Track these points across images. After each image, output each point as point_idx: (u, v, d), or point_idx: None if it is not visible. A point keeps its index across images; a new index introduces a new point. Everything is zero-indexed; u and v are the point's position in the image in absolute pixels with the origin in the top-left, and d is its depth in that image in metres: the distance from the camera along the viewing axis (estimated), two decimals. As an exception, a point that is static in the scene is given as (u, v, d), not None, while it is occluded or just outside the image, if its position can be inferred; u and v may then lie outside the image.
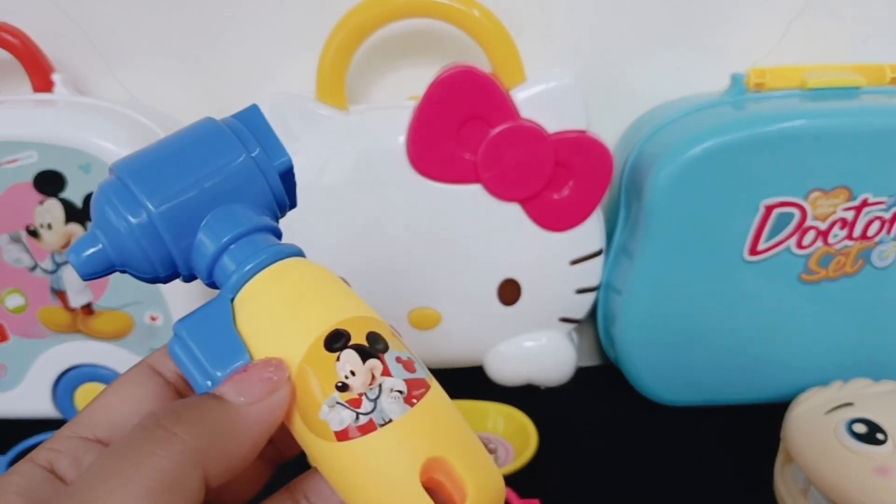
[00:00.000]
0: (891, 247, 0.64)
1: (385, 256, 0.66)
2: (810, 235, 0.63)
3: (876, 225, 0.63)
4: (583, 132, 0.62)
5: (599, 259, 0.67)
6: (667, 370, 0.70)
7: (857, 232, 0.63)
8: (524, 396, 0.72)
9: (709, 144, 0.59)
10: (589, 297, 0.70)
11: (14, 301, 0.67)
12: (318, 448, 0.28)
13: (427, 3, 0.60)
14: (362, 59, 0.67)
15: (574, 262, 0.67)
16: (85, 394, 0.70)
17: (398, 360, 0.29)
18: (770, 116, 0.60)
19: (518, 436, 0.68)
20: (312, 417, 0.28)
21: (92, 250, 0.30)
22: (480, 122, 0.61)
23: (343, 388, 0.28)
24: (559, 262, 0.67)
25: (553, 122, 0.61)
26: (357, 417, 0.27)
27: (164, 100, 0.69)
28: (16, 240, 0.64)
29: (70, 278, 0.65)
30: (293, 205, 0.34)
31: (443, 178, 0.63)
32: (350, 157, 0.63)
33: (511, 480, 0.62)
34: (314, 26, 0.63)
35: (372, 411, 0.28)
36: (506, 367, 0.72)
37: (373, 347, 0.29)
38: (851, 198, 0.61)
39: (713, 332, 0.68)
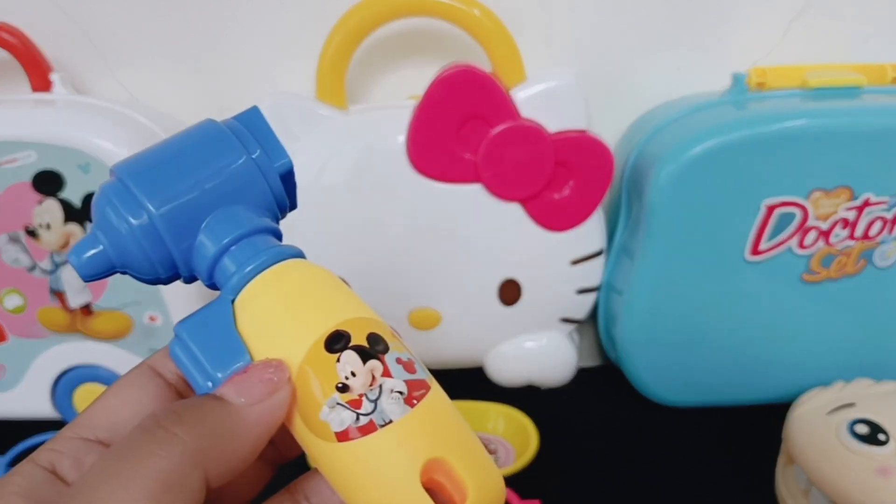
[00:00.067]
0: (893, 247, 0.64)
1: (385, 256, 0.66)
2: (812, 235, 0.63)
3: (878, 225, 0.63)
4: (583, 132, 0.61)
5: (600, 259, 0.67)
6: (668, 371, 0.70)
7: (858, 232, 0.63)
8: (524, 397, 0.72)
9: (710, 144, 0.59)
10: (590, 298, 0.69)
11: (13, 301, 0.67)
12: (318, 449, 0.28)
13: (427, 2, 0.60)
14: (362, 58, 0.67)
15: (575, 263, 0.67)
16: (84, 394, 0.70)
17: (398, 360, 0.29)
18: (771, 116, 0.60)
19: (518, 436, 0.68)
20: (313, 418, 0.28)
21: (93, 251, 0.30)
22: (481, 122, 0.61)
23: (343, 388, 0.28)
24: (560, 262, 0.67)
25: (553, 122, 0.61)
26: (357, 418, 0.27)
27: (163, 100, 0.69)
28: (14, 240, 0.64)
29: (69, 278, 0.65)
30: (293, 206, 0.34)
31: (443, 177, 0.63)
32: (350, 156, 0.63)
33: (511, 481, 0.62)
34: (314, 26, 0.63)
35: (372, 412, 0.27)
36: (506, 367, 0.71)
37: (373, 348, 0.29)
38: (853, 197, 0.61)
39: (714, 333, 0.68)
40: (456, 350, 0.71)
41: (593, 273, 0.68)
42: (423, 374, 0.29)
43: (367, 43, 0.62)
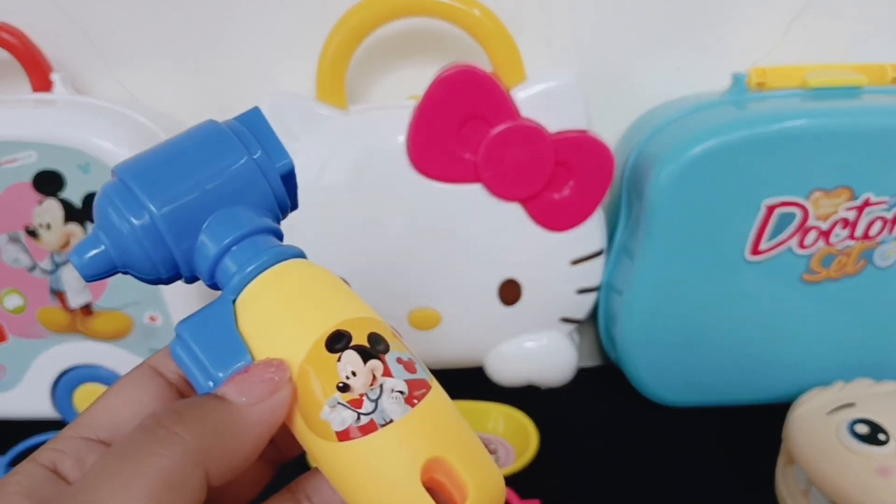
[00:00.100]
0: (893, 246, 0.64)
1: (385, 256, 0.66)
2: (812, 235, 0.63)
3: (878, 225, 0.63)
4: (583, 132, 0.61)
5: (600, 259, 0.67)
6: (668, 370, 0.70)
7: (858, 232, 0.63)
8: (525, 397, 0.72)
9: (710, 144, 0.59)
10: (590, 298, 0.69)
11: (13, 301, 0.67)
12: (319, 448, 0.28)
13: (427, 2, 0.60)
14: (362, 58, 0.67)
15: (575, 262, 0.67)
16: (84, 394, 0.70)
17: (399, 360, 0.29)
18: (771, 116, 0.60)
19: (518, 436, 0.68)
20: (314, 418, 0.28)
21: (94, 252, 0.30)
22: (481, 122, 0.61)
23: (344, 388, 0.28)
24: (560, 262, 0.67)
25: (554, 122, 0.61)
26: (358, 418, 0.27)
27: (163, 100, 0.69)
28: (15, 240, 0.64)
29: (69, 278, 0.65)
30: (294, 206, 0.34)
31: (443, 177, 0.63)
32: (350, 156, 0.63)
33: (511, 481, 0.62)
34: (314, 26, 0.63)
35: (373, 411, 0.28)
36: (506, 367, 0.72)
37: (374, 348, 0.29)
38: (853, 197, 0.61)
39: (714, 333, 0.68)
40: (456, 350, 0.71)
41: (593, 273, 0.68)
42: (423, 374, 0.30)
43: (368, 43, 0.62)
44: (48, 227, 0.63)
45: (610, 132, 0.68)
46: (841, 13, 0.67)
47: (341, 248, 0.65)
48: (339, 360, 0.28)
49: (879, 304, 0.67)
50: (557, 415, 0.70)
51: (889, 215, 0.62)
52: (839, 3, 0.67)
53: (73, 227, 0.63)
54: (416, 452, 0.27)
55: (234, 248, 0.30)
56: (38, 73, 0.64)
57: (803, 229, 0.63)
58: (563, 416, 0.71)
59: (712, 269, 0.65)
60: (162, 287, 0.64)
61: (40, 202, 0.62)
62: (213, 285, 0.31)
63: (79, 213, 0.62)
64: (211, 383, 0.29)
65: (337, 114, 0.63)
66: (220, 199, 0.31)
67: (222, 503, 0.31)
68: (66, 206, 0.62)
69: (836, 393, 0.62)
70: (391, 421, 0.28)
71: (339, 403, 0.28)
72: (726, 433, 0.69)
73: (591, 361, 0.80)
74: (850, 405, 0.59)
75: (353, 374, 0.28)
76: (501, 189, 0.63)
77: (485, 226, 0.65)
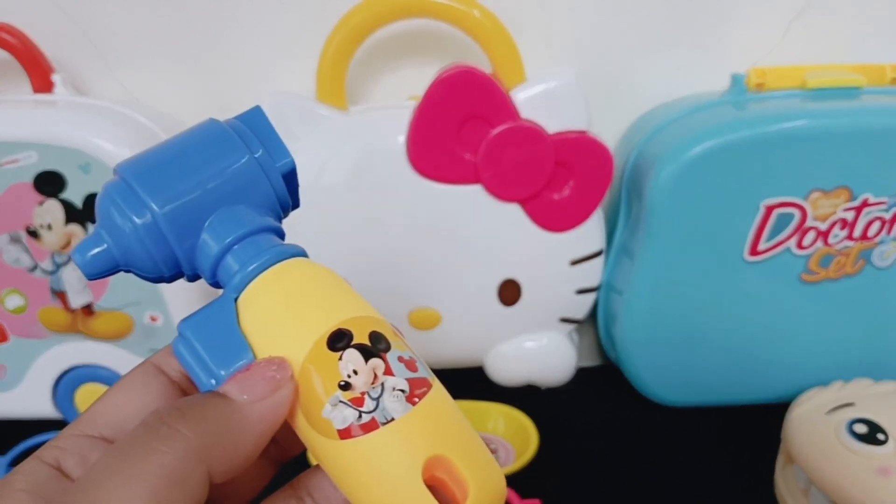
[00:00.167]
0: (891, 247, 0.64)
1: (385, 256, 0.66)
2: (810, 236, 0.63)
3: (876, 225, 0.63)
4: (583, 132, 0.62)
5: (600, 259, 0.67)
6: (667, 370, 0.70)
7: (857, 232, 0.63)
8: (524, 397, 0.72)
9: (709, 144, 0.59)
10: (589, 298, 0.70)
11: (14, 301, 0.67)
12: (320, 446, 0.28)
13: (427, 3, 0.60)
14: (362, 59, 0.67)
15: (574, 263, 0.67)
16: (85, 394, 0.70)
17: (400, 359, 0.29)
18: (771, 116, 0.60)
19: (518, 436, 0.68)
20: (315, 416, 0.28)
21: (97, 250, 0.30)
22: (481, 123, 0.61)
23: (346, 386, 0.28)
24: (559, 263, 0.67)
25: (553, 123, 0.61)
26: (359, 416, 0.28)
27: (164, 100, 0.69)
28: (16, 240, 0.64)
29: (70, 279, 0.65)
30: (296, 205, 0.35)
31: (443, 178, 0.63)
32: (350, 157, 0.63)
33: (511, 481, 0.62)
34: (314, 26, 0.63)
35: (374, 410, 0.28)
36: (506, 367, 0.72)
37: (375, 347, 0.29)
38: (852, 198, 0.62)
39: (714, 333, 0.68)
40: (456, 350, 0.71)
41: (593, 273, 0.68)
42: (424, 373, 0.30)
43: (368, 43, 0.63)
44: (49, 227, 0.63)
45: (610, 132, 0.68)
46: (841, 13, 0.67)
47: (341, 248, 0.65)
48: (340, 358, 0.28)
49: (878, 305, 0.67)
50: (557, 415, 0.70)
51: (887, 216, 0.63)
52: (839, 4, 0.67)
53: (74, 228, 0.63)
54: (418, 450, 0.28)
55: (235, 246, 0.31)
56: (39, 74, 0.64)
57: (802, 230, 0.63)
58: (562, 416, 0.71)
59: (711, 269, 0.65)
60: (162, 287, 0.64)
61: (41, 203, 0.62)
62: (215, 284, 0.32)
63: (79, 214, 0.62)
64: (213, 381, 0.29)
65: (337, 114, 0.63)
66: (221, 198, 0.31)
67: (224, 500, 0.31)
68: (67, 206, 0.62)
69: (835, 393, 0.62)
70: (392, 419, 0.28)
71: (340, 402, 0.28)
72: (726, 433, 0.69)
73: (591, 361, 0.80)
74: (850, 405, 0.59)
75: (355, 372, 0.28)
76: (501, 189, 0.63)
77: (484, 226, 0.65)
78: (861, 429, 0.56)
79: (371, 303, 0.32)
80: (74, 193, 0.62)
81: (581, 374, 0.73)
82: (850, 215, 0.62)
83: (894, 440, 0.55)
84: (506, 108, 0.60)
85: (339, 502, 0.31)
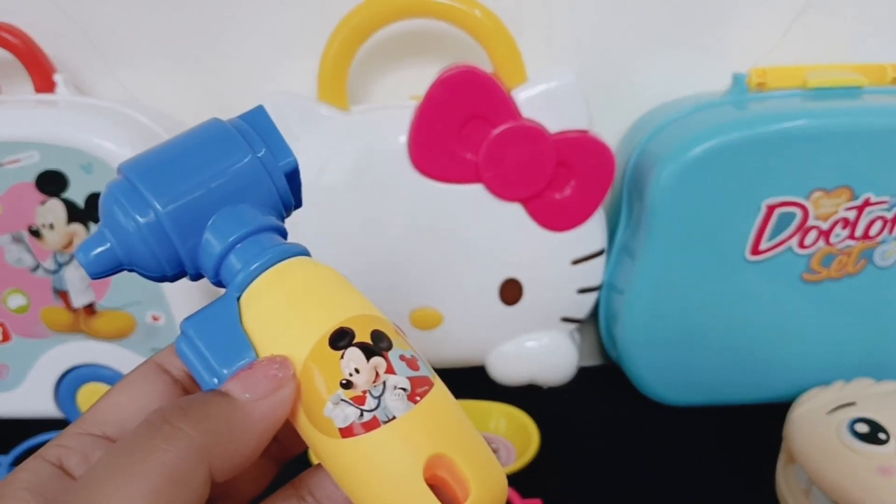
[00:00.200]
0: (893, 246, 0.64)
1: (386, 256, 0.66)
2: (812, 235, 0.63)
3: (878, 225, 0.63)
4: (584, 132, 0.62)
5: (601, 259, 0.67)
6: (668, 370, 0.70)
7: (858, 232, 0.63)
8: (526, 396, 0.72)
9: (710, 144, 0.59)
10: (591, 297, 0.70)
11: (16, 301, 0.67)
12: (322, 445, 0.28)
13: (428, 3, 0.60)
14: (363, 58, 0.67)
15: (576, 262, 0.67)
16: (87, 394, 0.70)
17: (402, 357, 0.29)
18: (771, 116, 0.60)
19: (520, 435, 0.68)
20: (317, 414, 0.28)
21: (100, 249, 0.30)
22: (482, 122, 0.61)
23: (347, 385, 0.28)
24: (561, 262, 0.67)
25: (554, 122, 0.61)
26: (361, 414, 0.28)
27: (164, 100, 0.69)
28: (18, 240, 0.64)
29: (72, 278, 0.65)
30: (298, 204, 0.35)
31: (444, 177, 0.63)
32: (351, 156, 0.63)
33: (513, 480, 0.62)
34: (315, 26, 0.63)
35: (376, 408, 0.28)
36: (507, 366, 0.72)
37: (377, 345, 0.29)
38: (853, 197, 0.62)
39: (715, 332, 0.68)
40: (457, 349, 0.71)
41: (594, 273, 0.68)
42: (426, 371, 0.30)
43: (369, 43, 0.63)
44: (51, 227, 0.63)
45: (611, 132, 0.68)
46: (841, 13, 0.67)
47: (342, 248, 0.65)
48: (342, 357, 0.28)
49: (879, 304, 0.67)
50: (558, 414, 0.70)
51: (889, 215, 0.63)
52: (839, 3, 0.67)
53: (76, 227, 0.63)
54: (419, 449, 0.28)
55: (238, 245, 0.31)
56: (41, 74, 0.64)
57: (803, 229, 0.63)
58: (563, 416, 0.71)
59: (713, 268, 0.65)
60: (164, 287, 0.64)
61: (43, 202, 0.62)
62: (218, 283, 0.32)
63: (82, 213, 0.63)
64: (215, 380, 0.29)
65: (338, 114, 0.63)
66: (224, 197, 0.31)
67: (227, 499, 0.31)
68: (69, 206, 0.62)
69: (836, 392, 0.62)
70: (394, 418, 0.28)
71: (342, 400, 0.28)
72: (727, 432, 0.69)
73: (592, 361, 0.80)
74: (851, 404, 0.59)
75: (357, 371, 0.28)
76: (502, 189, 0.63)
77: (486, 226, 0.65)
78: (862, 428, 0.56)
79: (372, 302, 0.32)
80: (76, 193, 0.62)
81: (582, 373, 0.74)
82: (851, 215, 0.62)
83: (895, 440, 0.55)
84: (507, 108, 0.60)
85: (341, 501, 0.31)
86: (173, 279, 0.32)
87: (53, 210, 0.62)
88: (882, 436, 0.55)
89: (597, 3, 0.66)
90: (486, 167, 0.62)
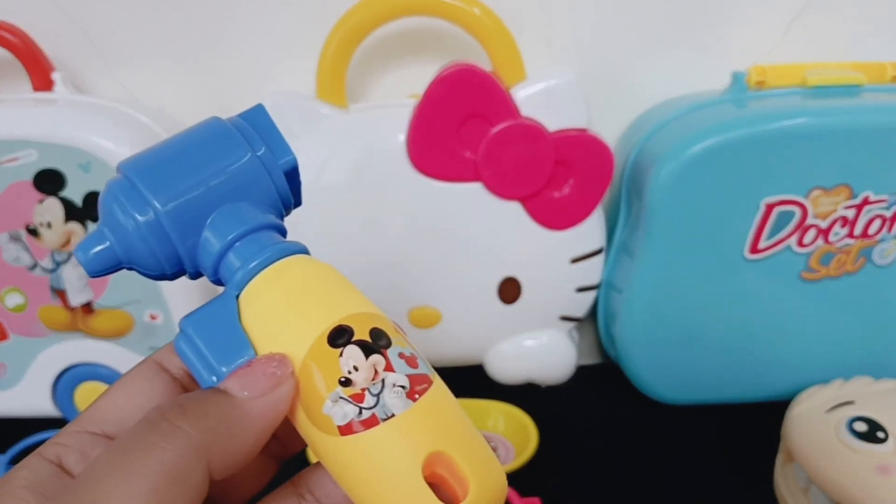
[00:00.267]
0: (892, 245, 0.64)
1: (385, 255, 0.66)
2: (811, 234, 0.63)
3: (877, 223, 0.63)
4: (583, 130, 0.62)
5: (600, 257, 0.67)
6: (667, 369, 0.70)
7: (857, 230, 0.63)
8: (524, 395, 0.72)
9: (710, 143, 0.59)
10: (589, 296, 0.70)
11: (13, 300, 0.67)
12: (321, 442, 0.28)
13: (427, 1, 0.60)
14: (362, 57, 0.67)
15: (574, 261, 0.67)
16: (85, 392, 0.70)
17: (401, 355, 0.29)
18: (771, 114, 0.60)
19: (518, 434, 0.68)
20: (316, 412, 0.28)
21: (99, 248, 0.30)
22: (481, 121, 0.61)
23: (346, 383, 0.28)
24: (560, 261, 0.67)
25: (554, 121, 0.61)
26: (360, 412, 0.28)
27: (163, 100, 0.69)
28: (15, 238, 0.64)
29: (70, 277, 0.65)
30: (298, 203, 0.35)
31: (443, 176, 0.63)
32: (350, 155, 0.63)
33: (511, 479, 0.62)
34: (314, 25, 0.63)
35: (374, 406, 0.28)
36: (506, 365, 0.72)
37: (376, 343, 0.29)
38: (852, 196, 0.62)
39: (714, 331, 0.68)
40: (456, 348, 0.71)
41: (593, 271, 0.68)
42: (425, 369, 0.30)
43: (368, 42, 0.62)
44: (49, 225, 0.63)
45: (610, 131, 0.68)
46: (841, 12, 0.67)
47: (341, 248, 0.65)
48: (341, 354, 0.28)
49: (878, 303, 0.67)
50: (557, 413, 0.70)
51: (888, 213, 0.63)
52: (839, 3, 0.67)
53: (74, 226, 0.63)
54: (418, 447, 0.28)
55: (237, 243, 0.31)
56: (39, 73, 0.64)
57: (802, 228, 0.63)
58: (562, 415, 0.71)
59: (712, 267, 0.65)
60: (162, 285, 0.64)
61: (41, 201, 0.62)
62: (217, 281, 0.32)
63: (79, 212, 0.63)
64: (214, 378, 0.29)
65: (337, 113, 0.63)
66: (223, 196, 0.31)
67: (226, 497, 0.31)
68: (67, 204, 0.62)
69: (835, 391, 0.62)
70: (393, 415, 0.28)
71: (340, 398, 0.28)
72: (725, 431, 0.69)
73: (591, 359, 0.80)
74: (849, 403, 0.59)
75: (355, 368, 0.28)
76: (501, 188, 0.63)
77: (485, 224, 0.65)
78: (861, 427, 0.56)
79: (371, 301, 0.32)
80: (74, 192, 0.62)
81: (581, 372, 0.74)
82: (850, 213, 0.62)
83: (894, 438, 0.55)
84: (506, 107, 0.60)
85: (340, 499, 0.31)
86: (172, 278, 0.32)
87: (51, 209, 0.62)
88: (881, 434, 0.55)
89: (597, 3, 0.66)
90: (485, 166, 0.62)
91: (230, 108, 0.35)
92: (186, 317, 0.30)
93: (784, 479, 0.60)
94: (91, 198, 0.62)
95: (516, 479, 0.62)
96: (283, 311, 0.30)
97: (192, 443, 0.26)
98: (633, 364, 0.70)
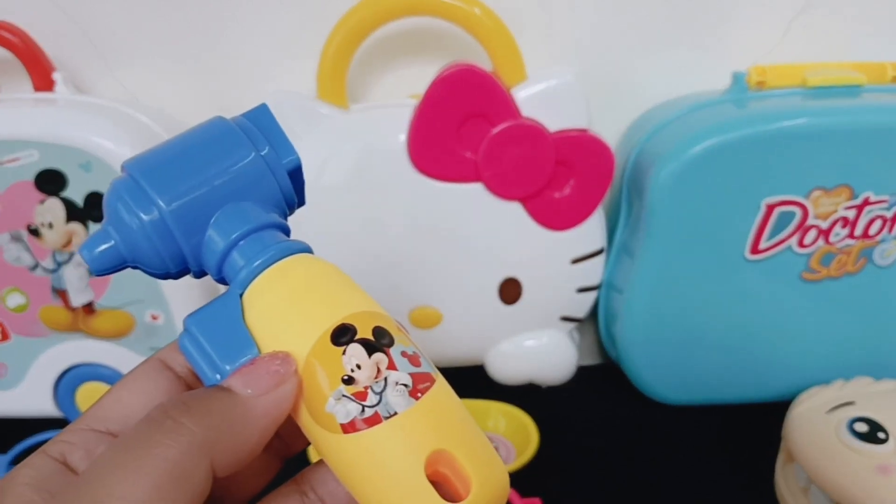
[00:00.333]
0: (892, 245, 0.64)
1: (386, 255, 0.66)
2: (811, 234, 0.63)
3: (878, 224, 0.63)
4: (584, 131, 0.62)
5: (600, 258, 0.67)
6: (668, 369, 0.70)
7: (858, 231, 0.63)
8: (525, 395, 0.72)
9: (710, 143, 0.59)
10: (590, 296, 0.70)
11: (15, 300, 0.67)
12: (324, 440, 0.28)
13: (428, 1, 0.60)
14: (363, 57, 0.67)
15: (575, 261, 0.67)
16: (86, 393, 0.70)
17: (403, 354, 0.29)
18: (771, 115, 0.60)
19: (519, 434, 0.68)
20: (319, 410, 0.28)
21: (104, 246, 0.30)
22: (481, 121, 0.61)
23: (349, 381, 0.28)
24: (560, 261, 0.67)
25: (554, 121, 0.61)
26: (363, 410, 0.28)
27: (163, 100, 0.69)
28: (17, 239, 0.64)
29: (71, 277, 0.65)
30: (301, 202, 0.35)
31: (443, 176, 0.63)
32: (351, 155, 0.63)
33: (512, 479, 0.62)
34: (314, 25, 0.63)
35: (377, 404, 0.28)
36: (507, 366, 0.72)
37: (378, 342, 0.29)
38: (853, 196, 0.62)
39: (714, 331, 0.68)
40: (457, 348, 0.71)
41: (593, 272, 0.68)
42: (427, 368, 0.30)
43: (368, 42, 0.63)
44: (50, 226, 0.63)
45: (610, 131, 0.68)
46: (841, 12, 0.67)
47: (341, 248, 0.65)
48: (344, 353, 0.28)
49: (879, 303, 0.67)
50: (557, 413, 0.70)
51: (889, 214, 0.63)
52: (839, 3, 0.67)
53: (75, 226, 0.63)
54: (420, 445, 0.28)
55: (241, 242, 0.31)
56: (40, 73, 0.64)
57: (803, 228, 0.63)
58: (563, 415, 0.71)
59: (712, 267, 0.65)
60: (163, 286, 0.64)
61: (42, 201, 0.62)
62: (221, 280, 0.32)
63: (80, 212, 0.63)
64: (218, 376, 0.29)
65: (337, 113, 0.63)
66: (228, 195, 0.31)
67: (229, 494, 0.31)
68: (68, 204, 0.62)
69: (835, 391, 0.62)
70: (395, 413, 0.28)
71: (343, 396, 0.28)
72: (726, 431, 0.69)
73: (591, 360, 0.80)
74: (850, 403, 0.59)
75: (358, 367, 0.28)
76: (502, 188, 0.63)
77: (485, 225, 0.65)
78: (861, 427, 0.56)
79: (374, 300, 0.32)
80: (75, 192, 0.62)
81: (581, 372, 0.74)
82: (851, 214, 0.62)
83: (895, 439, 0.55)
84: (506, 107, 0.60)
85: (343, 497, 0.31)
86: (177, 276, 0.32)
87: (52, 209, 0.62)
88: (881, 435, 0.55)
89: (597, 3, 0.66)
90: (485, 166, 0.62)
91: (230, 108, 0.35)
92: (191, 315, 0.30)
93: (784, 480, 0.60)
94: (92, 198, 0.62)
95: (517, 480, 0.62)
96: (286, 310, 0.30)
97: (196, 440, 0.26)
98: (633, 364, 0.70)
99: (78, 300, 0.66)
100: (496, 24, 0.60)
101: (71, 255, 0.64)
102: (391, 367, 0.29)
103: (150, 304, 0.66)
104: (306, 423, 0.29)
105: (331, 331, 0.29)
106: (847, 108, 0.61)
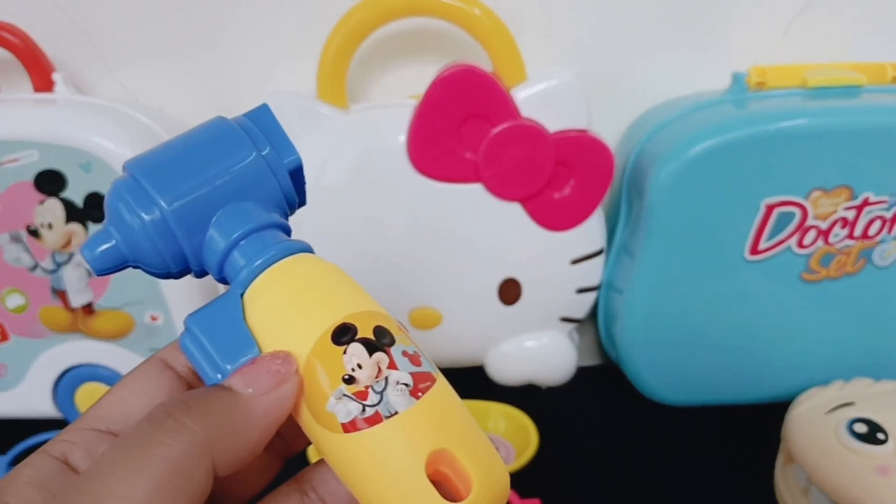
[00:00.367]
0: (892, 246, 0.64)
1: (385, 256, 0.66)
2: (811, 235, 0.63)
3: (877, 224, 0.63)
4: (584, 131, 0.62)
5: (600, 258, 0.67)
6: (667, 370, 0.70)
7: (858, 231, 0.63)
8: (525, 396, 0.72)
9: (710, 143, 0.59)
10: (590, 297, 0.70)
11: (14, 301, 0.67)
12: (325, 440, 0.28)
13: (428, 1, 0.60)
14: (363, 58, 0.67)
15: (575, 262, 0.67)
16: (85, 394, 0.70)
17: (404, 353, 0.29)
18: (771, 115, 0.60)
19: (519, 435, 0.68)
20: (320, 409, 0.28)
21: (105, 246, 0.30)
22: (481, 121, 0.61)
23: (350, 380, 0.28)
24: (560, 262, 0.67)
25: (554, 121, 0.61)
26: (363, 409, 0.28)
27: (163, 100, 0.69)
28: (16, 239, 0.64)
29: (70, 278, 0.65)
30: (302, 202, 0.35)
31: (443, 177, 0.63)
32: (350, 156, 0.63)
33: (512, 480, 0.62)
34: (314, 25, 0.63)
35: (378, 403, 0.28)
36: (506, 366, 0.72)
37: (379, 341, 0.29)
38: (852, 197, 0.62)
39: (714, 332, 0.68)
40: (456, 349, 0.71)
41: (593, 272, 0.68)
42: (428, 367, 0.30)
43: (368, 42, 0.63)
44: (49, 226, 0.63)
45: (610, 132, 0.68)
46: (841, 12, 0.67)
47: (342, 248, 0.65)
48: (344, 352, 0.28)
49: (878, 304, 0.67)
50: (557, 414, 0.70)
51: (888, 215, 0.63)
52: (839, 3, 0.67)
53: (75, 227, 0.63)
54: (421, 444, 0.28)
55: (242, 242, 0.31)
56: (40, 73, 0.64)
57: (802, 229, 0.63)
58: (562, 416, 0.71)
59: (712, 268, 0.65)
60: (163, 286, 0.64)
61: (42, 202, 0.62)
62: (222, 279, 0.32)
63: (80, 213, 0.62)
64: (219, 375, 0.29)
65: (337, 113, 0.63)
66: (229, 195, 0.31)
67: (229, 494, 0.31)
68: (68, 205, 0.62)
69: (835, 392, 0.62)
70: (396, 413, 0.28)
71: (344, 395, 0.28)
72: (725, 432, 0.69)
73: (591, 360, 0.80)
74: (849, 404, 0.59)
75: (359, 366, 0.28)
76: (501, 188, 0.63)
77: (485, 225, 0.65)
78: (861, 428, 0.56)
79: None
80: (75, 192, 0.62)
81: (581, 373, 0.74)
82: (850, 214, 0.62)
83: (894, 439, 0.55)
84: (506, 107, 0.60)
85: (343, 496, 0.31)
86: (178, 276, 0.32)
87: (52, 209, 0.62)
88: (881, 436, 0.55)
89: (597, 3, 0.66)
90: (485, 166, 0.62)
91: (230, 108, 0.35)
92: (192, 315, 0.30)
93: (784, 480, 0.60)
94: (92, 198, 0.62)
95: (517, 481, 0.62)
96: (287, 310, 0.30)
97: (197, 439, 0.26)
98: (633, 365, 0.70)
99: (77, 301, 0.66)
100: (496, 24, 0.61)
101: (70, 256, 0.64)
102: (392, 366, 0.29)
103: (149, 304, 0.66)
104: (307, 422, 0.29)
105: (331, 330, 0.29)
106: (847, 108, 0.61)
